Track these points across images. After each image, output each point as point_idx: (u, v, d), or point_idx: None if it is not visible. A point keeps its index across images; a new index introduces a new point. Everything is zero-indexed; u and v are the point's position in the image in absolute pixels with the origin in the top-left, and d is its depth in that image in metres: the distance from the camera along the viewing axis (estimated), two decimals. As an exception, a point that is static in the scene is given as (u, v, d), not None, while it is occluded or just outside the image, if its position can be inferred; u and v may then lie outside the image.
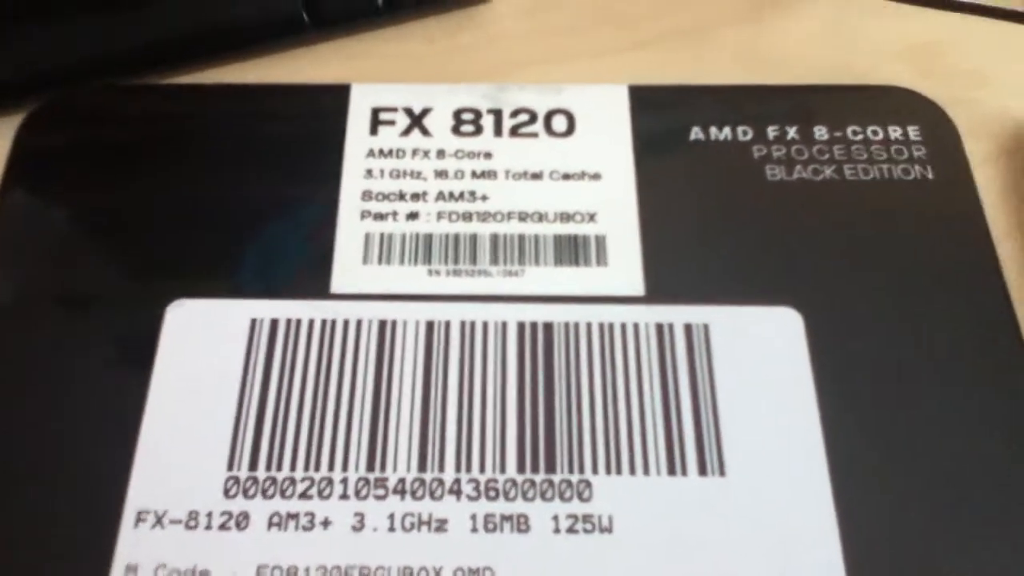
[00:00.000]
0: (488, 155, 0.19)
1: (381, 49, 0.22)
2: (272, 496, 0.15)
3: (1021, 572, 0.14)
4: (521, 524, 0.15)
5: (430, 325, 0.17)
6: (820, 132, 0.19)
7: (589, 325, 0.17)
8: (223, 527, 0.15)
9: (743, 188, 0.18)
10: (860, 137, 0.19)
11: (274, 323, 0.17)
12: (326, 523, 0.15)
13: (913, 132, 0.19)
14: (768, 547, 0.15)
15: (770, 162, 0.19)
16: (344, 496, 0.15)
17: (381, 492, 0.15)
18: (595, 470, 0.15)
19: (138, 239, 0.18)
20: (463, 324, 0.17)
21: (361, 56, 0.22)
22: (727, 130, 0.19)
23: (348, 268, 0.17)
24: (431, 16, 0.28)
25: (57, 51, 0.23)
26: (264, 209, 0.18)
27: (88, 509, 0.15)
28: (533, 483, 0.15)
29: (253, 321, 0.17)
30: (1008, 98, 0.36)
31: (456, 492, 0.15)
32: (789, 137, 0.19)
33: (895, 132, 0.19)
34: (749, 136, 0.19)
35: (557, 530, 0.15)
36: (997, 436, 0.16)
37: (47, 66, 0.21)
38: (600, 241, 0.18)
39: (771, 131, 0.19)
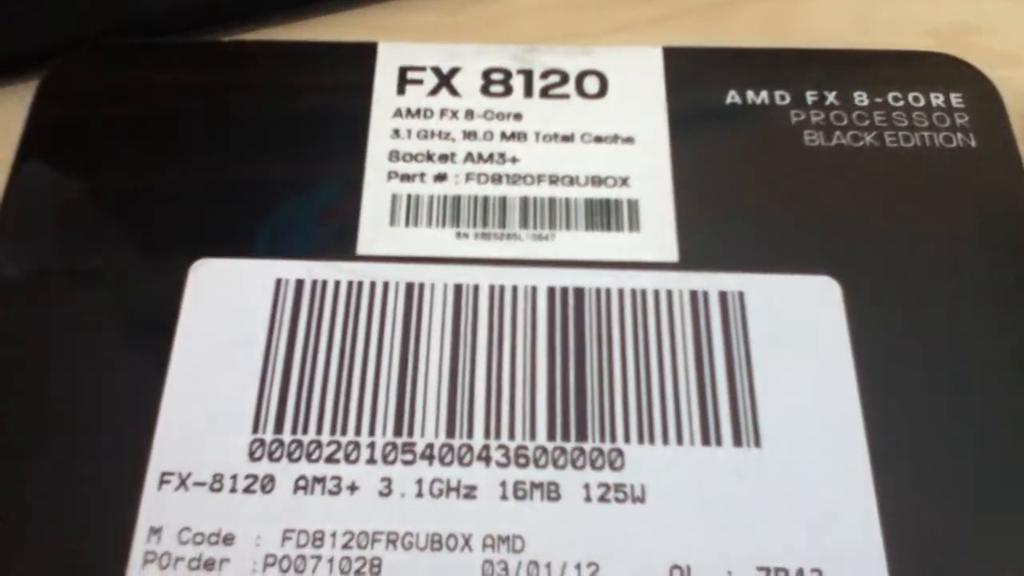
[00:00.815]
0: (518, 116, 0.18)
1: (402, 19, 0.22)
2: (298, 459, 0.15)
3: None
4: (551, 492, 0.15)
5: (458, 288, 0.16)
6: (860, 98, 0.18)
7: (621, 291, 0.16)
8: (248, 490, 0.15)
9: (780, 154, 0.18)
10: (901, 103, 0.18)
11: (299, 284, 0.16)
12: (353, 487, 0.15)
13: (956, 99, 0.18)
14: (803, 521, 0.14)
15: (808, 127, 0.18)
16: (371, 460, 0.15)
17: (409, 457, 0.15)
18: (627, 439, 0.15)
19: (161, 200, 0.17)
20: (492, 288, 0.16)
21: (381, 27, 0.21)
22: (764, 94, 0.18)
23: (375, 230, 0.17)
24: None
25: (71, 16, 0.22)
26: (290, 169, 0.18)
27: (111, 472, 0.15)
28: (564, 451, 0.15)
29: (278, 281, 0.16)
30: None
31: (485, 459, 0.15)
32: (828, 102, 0.18)
33: (937, 99, 0.18)
34: (787, 100, 0.18)
35: (588, 499, 0.15)
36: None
37: (62, 32, 0.21)
38: (633, 206, 0.17)
39: (810, 96, 0.18)
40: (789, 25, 0.21)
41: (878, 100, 0.18)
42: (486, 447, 0.15)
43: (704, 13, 0.29)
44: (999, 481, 0.15)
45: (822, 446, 0.15)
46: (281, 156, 0.18)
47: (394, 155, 0.18)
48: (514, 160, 0.18)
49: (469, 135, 0.18)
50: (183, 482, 0.15)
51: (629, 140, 0.18)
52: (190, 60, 0.19)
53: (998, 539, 0.14)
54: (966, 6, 0.27)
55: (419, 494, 0.15)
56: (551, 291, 0.16)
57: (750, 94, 0.18)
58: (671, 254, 0.17)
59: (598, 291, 0.16)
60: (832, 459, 0.15)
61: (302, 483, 0.15)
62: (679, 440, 0.15)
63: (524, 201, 0.17)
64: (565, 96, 0.19)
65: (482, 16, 0.23)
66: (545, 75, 0.19)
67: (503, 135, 0.18)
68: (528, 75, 0.19)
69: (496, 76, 0.19)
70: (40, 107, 0.18)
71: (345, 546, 0.14)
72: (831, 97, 0.18)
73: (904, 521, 0.14)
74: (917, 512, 0.14)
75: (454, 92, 0.19)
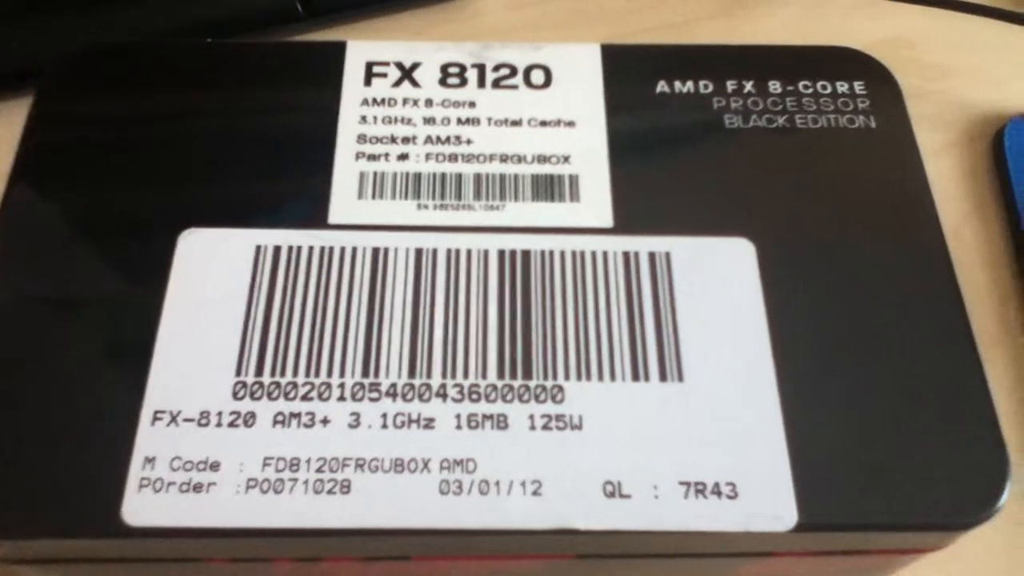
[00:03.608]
0: (472, 104, 0.21)
1: (371, 39, 0.24)
2: (276, 398, 0.17)
3: (957, 471, 0.16)
4: (500, 422, 0.17)
5: (419, 252, 0.18)
6: (774, 86, 0.21)
7: (563, 252, 0.18)
8: (232, 424, 0.17)
9: (703, 135, 0.20)
10: (810, 91, 0.21)
11: (277, 249, 0.18)
12: (325, 421, 0.17)
13: (858, 87, 0.21)
14: (719, 442, 0.17)
15: (728, 112, 0.20)
16: (341, 398, 0.17)
17: (375, 395, 0.17)
18: (567, 376, 0.17)
19: (151, 178, 0.19)
20: (449, 251, 0.18)
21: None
22: (690, 84, 0.21)
23: (344, 203, 0.19)
24: (420, 8, 0.30)
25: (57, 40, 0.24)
26: (266, 150, 0.20)
27: (110, 411, 0.17)
28: (511, 387, 0.17)
29: (258, 247, 0.18)
30: (970, 90, 0.39)
31: (442, 395, 0.17)
32: (746, 91, 0.21)
33: (842, 87, 0.21)
34: (710, 89, 0.21)
35: (533, 427, 0.17)
36: (931, 345, 0.17)
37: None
38: (573, 180, 0.19)
39: (730, 85, 0.21)
40: (737, 41, 0.24)
41: (790, 88, 0.21)
42: (443, 385, 0.17)
43: (658, 33, 0.31)
44: (884, 408, 0.17)
45: (736, 380, 0.17)
46: (261, 140, 0.20)
47: (361, 138, 0.20)
48: (468, 142, 0.20)
49: (428, 120, 0.20)
50: (174, 419, 0.17)
51: (571, 124, 0.20)
52: (177, 59, 0.21)
53: (884, 455, 0.17)
54: (906, 21, 0.30)
55: (384, 426, 0.17)
56: (501, 253, 0.18)
57: (677, 84, 0.21)
58: (607, 221, 0.19)
59: (542, 252, 0.18)
60: (744, 391, 0.17)
61: (280, 418, 0.17)
62: (612, 377, 0.17)
63: (477, 177, 0.19)
64: (514, 87, 0.21)
65: (446, 37, 0.25)
66: (496, 68, 0.21)
67: (459, 120, 0.20)
68: (481, 69, 0.21)
69: (453, 70, 0.21)
70: (40, 105, 0.20)
71: (318, 470, 0.16)
72: (748, 86, 0.21)
73: (805, 441, 0.17)
74: (816, 433, 0.17)
75: (415, 84, 0.21)
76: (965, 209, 0.36)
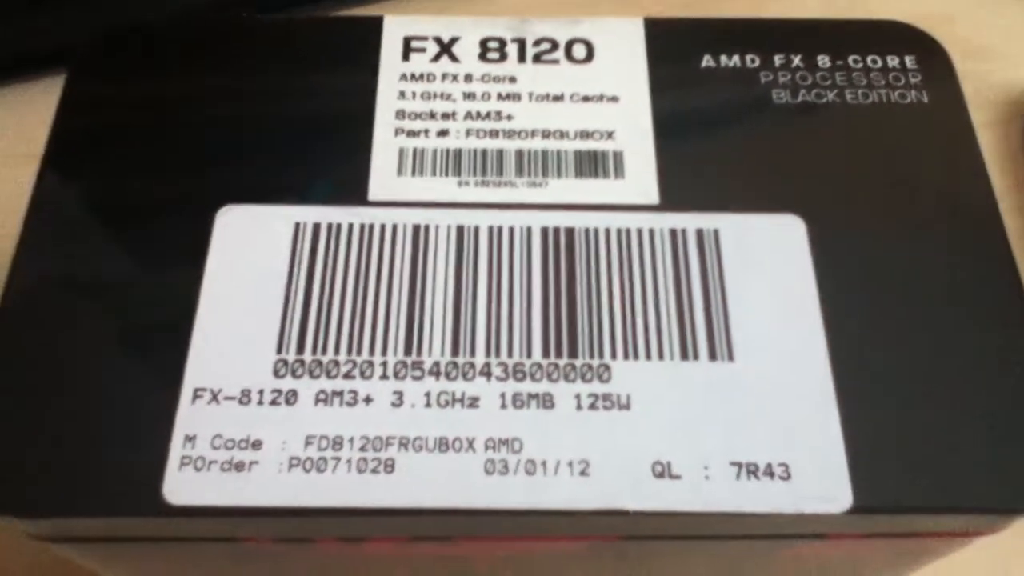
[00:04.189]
0: (513, 79, 0.20)
1: (402, 10, 0.23)
2: (318, 376, 0.17)
3: (1014, 454, 0.16)
4: (546, 402, 0.16)
5: (460, 229, 0.18)
6: (823, 60, 0.20)
7: (608, 230, 0.18)
8: (273, 403, 0.16)
9: (750, 110, 0.20)
10: (860, 65, 0.20)
11: (316, 226, 0.18)
12: (368, 400, 0.16)
13: (910, 61, 0.20)
14: (772, 423, 0.16)
15: (776, 87, 0.20)
16: (384, 376, 0.17)
17: (418, 373, 0.17)
18: (614, 355, 0.17)
19: (189, 156, 0.19)
20: (491, 228, 0.18)
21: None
22: (736, 58, 0.20)
23: (383, 179, 0.19)
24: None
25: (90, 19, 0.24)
26: (306, 126, 0.19)
27: (149, 389, 0.17)
28: (557, 366, 0.17)
29: (297, 224, 0.18)
30: (1009, 70, 0.38)
31: (487, 374, 0.17)
32: (794, 65, 0.20)
33: (893, 61, 0.20)
34: (756, 64, 0.20)
35: (579, 407, 0.16)
36: (989, 327, 0.17)
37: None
38: (618, 156, 0.19)
39: (777, 59, 0.20)
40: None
41: (839, 63, 0.20)
42: (487, 364, 0.17)
43: (685, 8, 0.31)
44: (940, 389, 0.16)
45: (788, 359, 0.17)
46: (298, 116, 0.19)
47: (400, 114, 0.20)
48: (510, 118, 0.20)
49: (468, 96, 0.20)
50: (214, 397, 0.16)
51: (614, 99, 0.20)
52: (210, 36, 0.21)
53: (940, 437, 0.16)
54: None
55: (427, 404, 0.16)
56: (544, 231, 0.18)
57: (723, 58, 0.20)
58: (653, 198, 0.19)
59: (587, 230, 0.18)
60: (797, 370, 0.17)
61: (322, 396, 0.16)
62: (660, 356, 0.17)
63: (519, 153, 0.19)
64: (555, 62, 0.20)
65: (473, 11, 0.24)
66: (537, 43, 0.21)
67: (499, 96, 0.20)
68: (522, 43, 0.21)
69: (492, 44, 0.21)
70: (73, 85, 0.20)
71: (362, 449, 0.16)
72: (796, 60, 0.20)
73: (860, 422, 0.16)
74: (871, 414, 0.16)
75: (454, 59, 0.20)
76: (1001, 189, 0.35)
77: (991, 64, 0.37)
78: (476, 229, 0.18)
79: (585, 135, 0.19)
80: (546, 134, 0.19)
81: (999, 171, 0.34)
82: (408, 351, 0.17)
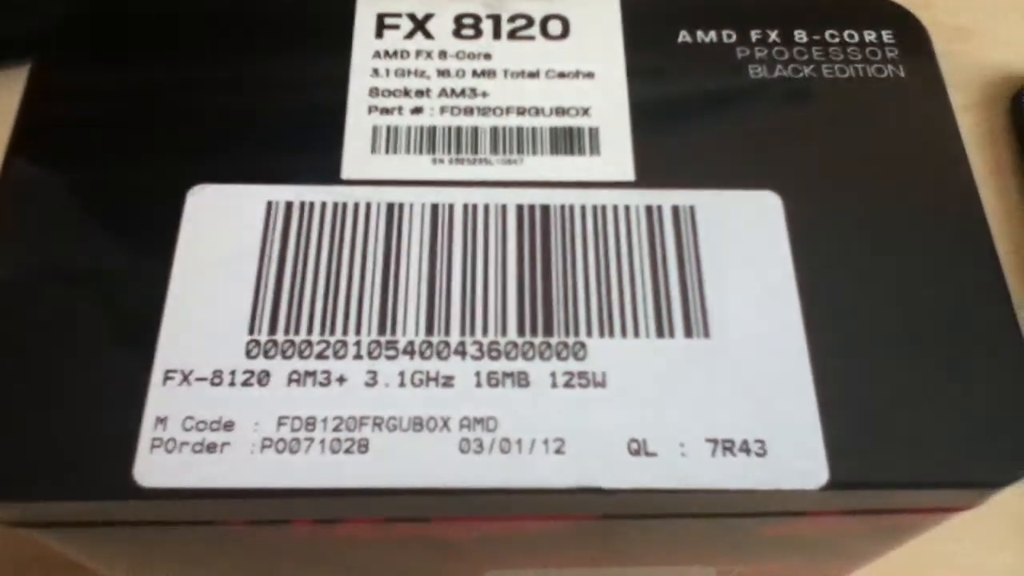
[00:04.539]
0: (487, 56, 0.20)
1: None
2: (291, 356, 0.16)
3: (991, 429, 0.16)
4: (521, 380, 0.16)
5: (435, 207, 0.18)
6: (800, 35, 0.20)
7: (583, 207, 0.18)
8: (246, 383, 0.16)
9: (727, 86, 0.19)
10: (837, 40, 0.20)
11: (289, 205, 0.18)
12: (341, 379, 0.16)
13: (886, 36, 0.20)
14: (748, 399, 0.16)
15: (752, 62, 0.20)
16: (358, 356, 0.16)
17: (392, 353, 0.16)
18: (589, 333, 0.17)
19: (159, 137, 0.19)
20: (466, 206, 0.18)
21: None
22: (712, 33, 0.20)
23: (357, 157, 0.19)
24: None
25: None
26: (276, 105, 0.19)
27: (120, 371, 0.16)
28: (532, 344, 0.17)
29: (269, 203, 0.18)
30: (987, 52, 0.38)
31: (461, 352, 0.16)
32: (770, 40, 0.20)
33: (870, 36, 0.20)
34: (733, 39, 0.20)
35: (555, 385, 0.16)
36: (965, 299, 0.17)
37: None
38: (593, 132, 0.19)
39: (754, 34, 0.20)
40: None
41: (816, 38, 0.20)
42: (462, 343, 0.17)
43: None
44: (916, 364, 0.16)
45: (764, 335, 0.17)
46: (269, 93, 0.19)
47: (374, 91, 0.19)
48: (484, 95, 0.19)
49: (443, 73, 0.20)
50: (186, 378, 0.16)
51: (589, 75, 0.20)
52: (180, 16, 0.21)
53: (916, 412, 0.16)
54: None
55: (401, 384, 0.16)
56: (520, 208, 0.18)
57: (699, 33, 0.20)
58: (628, 174, 0.18)
59: (562, 207, 0.18)
60: (773, 346, 0.17)
61: (295, 376, 0.16)
62: (636, 333, 0.17)
63: (494, 130, 0.19)
64: (531, 38, 0.20)
65: None
66: (512, 19, 0.20)
67: (474, 72, 0.20)
68: (496, 20, 0.20)
69: (467, 21, 0.20)
70: (38, 72, 0.19)
71: (335, 429, 0.16)
72: (773, 35, 0.20)
73: (836, 397, 0.16)
74: (847, 389, 0.16)
75: (428, 35, 0.20)
76: (982, 171, 0.35)
77: (970, 46, 0.37)
78: (451, 207, 0.18)
79: (560, 112, 0.19)
80: (521, 111, 0.19)
81: (979, 154, 0.34)
82: (382, 330, 0.17)
